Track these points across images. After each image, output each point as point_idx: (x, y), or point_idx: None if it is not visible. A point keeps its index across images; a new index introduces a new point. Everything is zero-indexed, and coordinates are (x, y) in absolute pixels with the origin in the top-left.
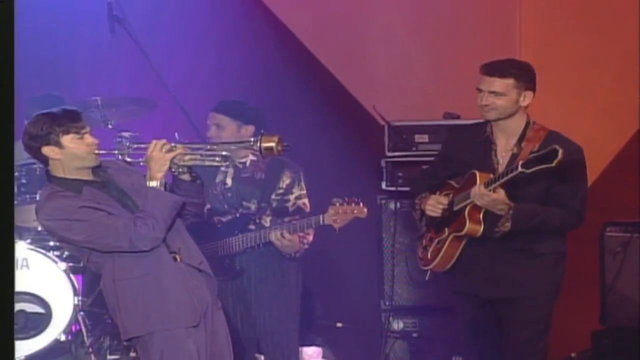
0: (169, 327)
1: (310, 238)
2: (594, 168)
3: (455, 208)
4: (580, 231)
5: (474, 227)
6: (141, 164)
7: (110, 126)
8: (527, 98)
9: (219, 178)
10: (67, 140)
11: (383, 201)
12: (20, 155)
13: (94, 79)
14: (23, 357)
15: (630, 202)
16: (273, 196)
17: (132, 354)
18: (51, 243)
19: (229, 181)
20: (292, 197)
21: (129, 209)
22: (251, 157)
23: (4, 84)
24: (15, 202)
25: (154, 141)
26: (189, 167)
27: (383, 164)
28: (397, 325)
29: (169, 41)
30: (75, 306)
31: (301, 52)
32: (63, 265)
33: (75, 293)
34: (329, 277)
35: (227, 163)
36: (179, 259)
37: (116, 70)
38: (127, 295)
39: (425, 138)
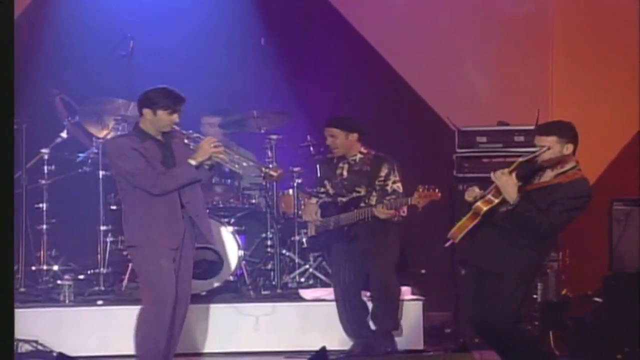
0: (150, 244)
1: (405, 210)
2: (606, 157)
3: (483, 193)
4: (594, 205)
5: (480, 205)
6: (191, 147)
7: (262, 131)
8: (568, 149)
9: (338, 171)
10: (161, 113)
11: (454, 184)
12: None
13: (249, 96)
14: (204, 292)
15: (631, 184)
16: (376, 182)
17: (279, 291)
18: (222, 213)
19: (345, 173)
20: (390, 182)
21: (166, 165)
22: (359, 155)
23: (3, 84)
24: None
25: (209, 137)
26: (214, 162)
27: (454, 157)
28: (464, 271)
29: (302, 67)
30: (239, 257)
31: (393, 77)
32: (230, 228)
33: (239, 248)
34: (417, 239)
35: (243, 170)
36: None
37: (266, 89)
38: (134, 217)
39: (484, 139)
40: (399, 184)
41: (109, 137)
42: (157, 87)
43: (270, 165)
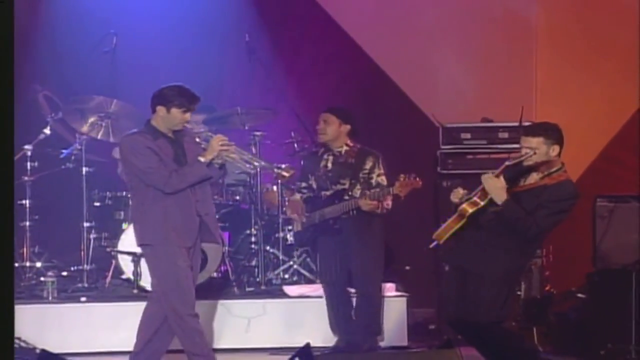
0: (166, 243)
1: (389, 202)
2: (590, 152)
3: (469, 195)
4: (579, 202)
5: (466, 207)
6: (202, 146)
7: (246, 128)
8: (555, 150)
9: (322, 163)
10: (175, 111)
11: (438, 181)
12: None
13: (234, 93)
14: None
15: (615, 180)
16: (360, 175)
17: (263, 287)
18: None
19: (329, 165)
20: (374, 175)
21: (178, 163)
22: (345, 147)
23: (3, 83)
24: None
25: (219, 135)
26: (224, 160)
27: (438, 154)
28: (447, 267)
29: (288, 64)
30: (223, 254)
31: (378, 74)
32: None
33: (223, 244)
34: (402, 235)
35: (255, 169)
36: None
37: (250, 86)
38: (147, 215)
39: (468, 136)
40: (383, 177)
41: (92, 134)
42: (171, 84)
43: (283, 166)
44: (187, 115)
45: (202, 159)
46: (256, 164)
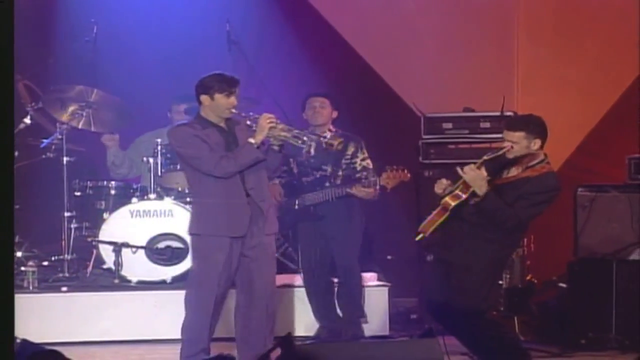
0: (212, 234)
1: (378, 189)
2: (571, 142)
3: (452, 188)
4: (560, 191)
5: (449, 200)
6: (253, 128)
7: None
8: (536, 144)
9: (305, 149)
10: (218, 97)
11: (420, 170)
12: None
13: None
14: (170, 278)
15: (596, 169)
16: (343, 161)
17: None
18: (188, 199)
19: (312, 151)
20: (358, 160)
21: (230, 150)
22: (328, 133)
23: (3, 84)
24: (163, 170)
25: (265, 114)
26: (281, 142)
27: (420, 144)
28: (430, 257)
29: (270, 55)
30: None
31: (358, 63)
32: None
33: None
34: (383, 225)
35: (305, 144)
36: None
37: (230, 72)
38: (199, 205)
39: (450, 125)
40: (369, 161)
41: (73, 123)
42: (209, 73)
43: (328, 135)
44: (232, 99)
45: (252, 140)
46: (305, 138)
